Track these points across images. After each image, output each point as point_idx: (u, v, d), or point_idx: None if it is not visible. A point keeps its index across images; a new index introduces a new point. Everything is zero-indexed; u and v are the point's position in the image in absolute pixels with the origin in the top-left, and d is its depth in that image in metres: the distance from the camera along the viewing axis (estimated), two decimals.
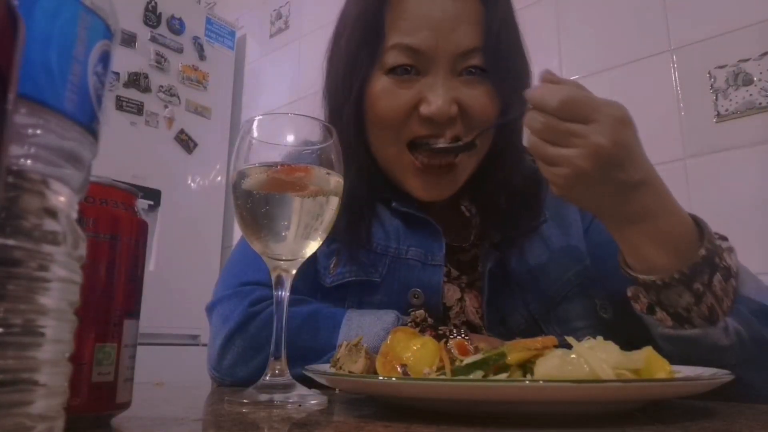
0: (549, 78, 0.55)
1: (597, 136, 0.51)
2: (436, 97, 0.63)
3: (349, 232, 0.69)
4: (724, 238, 0.58)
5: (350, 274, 0.69)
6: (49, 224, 0.19)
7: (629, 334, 0.62)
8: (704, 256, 0.53)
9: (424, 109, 0.64)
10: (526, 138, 0.56)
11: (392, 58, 0.66)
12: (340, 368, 0.46)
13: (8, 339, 0.17)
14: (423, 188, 0.68)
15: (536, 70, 1.82)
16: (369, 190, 0.72)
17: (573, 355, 0.36)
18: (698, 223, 0.56)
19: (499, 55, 0.66)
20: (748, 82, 1.26)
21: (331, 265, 0.70)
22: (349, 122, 0.68)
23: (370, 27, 0.67)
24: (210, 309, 0.70)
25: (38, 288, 0.18)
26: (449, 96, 0.63)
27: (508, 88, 0.66)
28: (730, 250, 0.57)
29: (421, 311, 0.64)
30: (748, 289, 0.56)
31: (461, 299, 0.70)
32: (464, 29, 0.65)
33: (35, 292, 0.18)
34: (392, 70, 0.66)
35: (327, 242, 0.56)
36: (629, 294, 0.59)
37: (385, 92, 0.66)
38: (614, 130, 0.51)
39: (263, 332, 0.62)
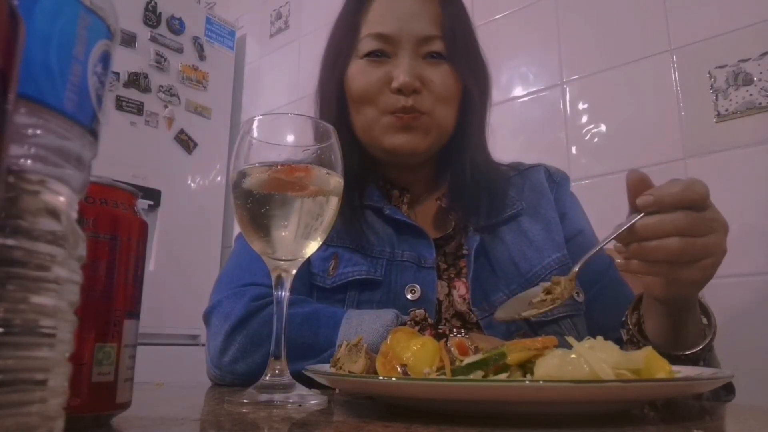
0: (641, 177, 0.54)
1: (721, 216, 0.53)
2: (403, 73, 0.74)
3: (348, 235, 0.76)
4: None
5: (353, 274, 0.73)
6: (50, 224, 0.19)
7: (598, 315, 0.76)
8: (710, 340, 0.60)
9: (393, 84, 0.75)
10: (654, 250, 0.52)
11: (366, 45, 0.77)
12: (340, 368, 0.46)
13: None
14: (403, 140, 0.76)
15: (538, 69, 1.82)
16: (360, 194, 0.79)
17: (573, 355, 0.36)
18: (701, 304, 0.63)
19: (456, 44, 0.78)
20: (748, 82, 1.26)
21: (330, 268, 0.74)
22: (332, 106, 0.80)
23: (348, 25, 0.80)
24: (208, 313, 0.70)
25: (46, 289, 0.19)
26: (413, 72, 0.74)
27: (466, 72, 0.78)
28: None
29: (421, 311, 0.65)
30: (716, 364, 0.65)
31: (449, 294, 0.74)
32: (425, 20, 0.77)
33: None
34: (366, 55, 0.77)
35: (322, 248, 0.60)
36: (624, 338, 0.65)
37: (360, 72, 0.77)
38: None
39: (264, 328, 0.63)
